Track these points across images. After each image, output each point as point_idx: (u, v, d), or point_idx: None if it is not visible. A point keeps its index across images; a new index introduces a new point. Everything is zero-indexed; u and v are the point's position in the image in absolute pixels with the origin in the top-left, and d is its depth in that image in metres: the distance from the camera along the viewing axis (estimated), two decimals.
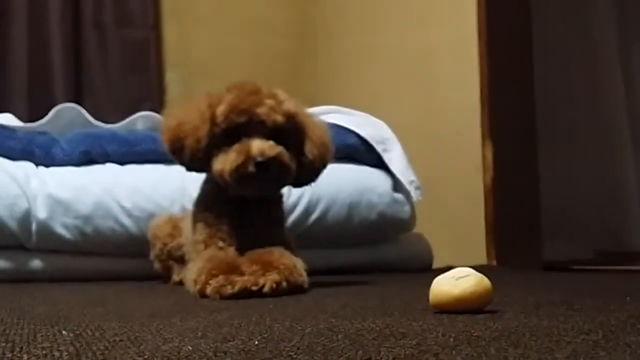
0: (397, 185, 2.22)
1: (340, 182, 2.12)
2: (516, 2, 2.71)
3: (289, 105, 1.46)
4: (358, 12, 3.49)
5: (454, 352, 0.68)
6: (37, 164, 2.05)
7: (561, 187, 3.28)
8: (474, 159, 2.64)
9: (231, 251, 1.45)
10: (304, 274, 1.41)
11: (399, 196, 2.20)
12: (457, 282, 0.99)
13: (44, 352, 0.73)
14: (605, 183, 3.53)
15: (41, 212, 1.95)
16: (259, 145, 1.39)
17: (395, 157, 2.23)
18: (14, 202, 1.94)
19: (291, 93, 1.50)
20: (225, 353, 0.70)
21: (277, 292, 1.32)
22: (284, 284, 1.34)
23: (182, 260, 1.72)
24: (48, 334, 0.87)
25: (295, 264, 1.40)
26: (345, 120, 2.25)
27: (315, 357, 0.68)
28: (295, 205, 2.06)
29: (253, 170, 1.38)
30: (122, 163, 2.09)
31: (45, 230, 1.95)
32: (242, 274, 1.34)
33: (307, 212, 2.09)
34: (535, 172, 2.66)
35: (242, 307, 1.15)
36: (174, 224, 1.80)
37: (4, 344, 0.79)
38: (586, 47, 3.56)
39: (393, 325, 0.88)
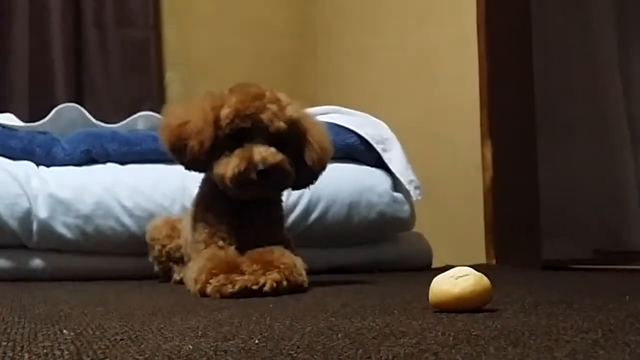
0: (396, 185, 2.22)
1: (340, 181, 2.12)
2: (516, 2, 2.71)
3: (291, 111, 1.45)
4: (357, 13, 3.49)
5: (453, 351, 0.69)
6: (38, 164, 2.06)
7: (560, 186, 3.28)
8: (473, 158, 2.64)
9: (231, 250, 1.45)
10: (304, 273, 1.42)
11: (398, 196, 2.20)
12: (456, 281, 0.99)
13: (45, 351, 0.73)
14: (605, 182, 3.52)
15: (42, 212, 1.95)
16: (262, 152, 1.39)
17: (394, 157, 2.23)
18: (14, 202, 1.94)
19: (291, 93, 1.50)
20: (225, 352, 0.70)
21: (277, 291, 1.32)
22: (284, 283, 1.34)
23: (181, 261, 1.72)
24: (49, 333, 0.87)
25: (295, 263, 1.40)
26: (345, 120, 2.25)
27: (316, 356, 0.68)
28: (295, 205, 2.07)
29: (255, 177, 1.39)
30: (122, 163, 2.09)
31: (46, 229, 1.95)
32: (242, 273, 1.34)
33: (307, 211, 2.09)
34: (535, 172, 2.66)
35: (242, 306, 1.15)
36: (172, 226, 1.80)
37: (5, 343, 0.79)
38: (586, 42, 3.55)
39: (393, 324, 0.88)
